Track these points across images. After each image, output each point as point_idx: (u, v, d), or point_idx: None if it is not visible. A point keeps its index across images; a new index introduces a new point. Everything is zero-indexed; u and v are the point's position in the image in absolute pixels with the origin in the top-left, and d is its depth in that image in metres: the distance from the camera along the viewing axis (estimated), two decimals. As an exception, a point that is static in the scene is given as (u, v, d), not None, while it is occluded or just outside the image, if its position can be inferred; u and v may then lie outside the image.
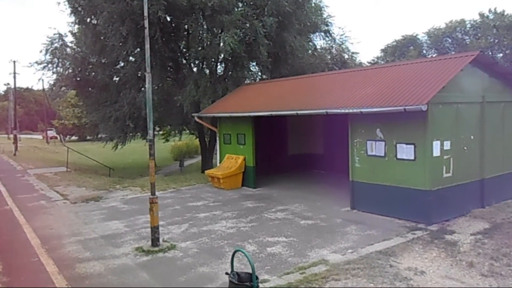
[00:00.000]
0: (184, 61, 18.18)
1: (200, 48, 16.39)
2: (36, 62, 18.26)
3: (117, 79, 18.29)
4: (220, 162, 15.25)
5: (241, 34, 15.08)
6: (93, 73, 18.23)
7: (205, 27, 16.16)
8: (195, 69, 17.72)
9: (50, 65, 18.04)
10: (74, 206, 12.11)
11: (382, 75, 10.52)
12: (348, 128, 10.04)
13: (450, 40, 50.46)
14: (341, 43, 20.96)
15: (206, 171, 14.55)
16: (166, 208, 11.24)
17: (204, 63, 16.58)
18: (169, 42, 16.60)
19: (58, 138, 64.52)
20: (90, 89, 18.80)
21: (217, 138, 15.25)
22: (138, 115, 17.22)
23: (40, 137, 75.41)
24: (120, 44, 16.08)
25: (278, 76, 17.46)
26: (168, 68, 18.35)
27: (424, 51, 52.05)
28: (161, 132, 29.57)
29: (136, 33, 15.49)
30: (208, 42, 15.99)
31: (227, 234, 8.55)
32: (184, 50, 17.99)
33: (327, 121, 16.19)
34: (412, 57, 46.40)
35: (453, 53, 50.31)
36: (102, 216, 10.61)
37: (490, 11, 46.25)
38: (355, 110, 9.01)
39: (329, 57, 20.84)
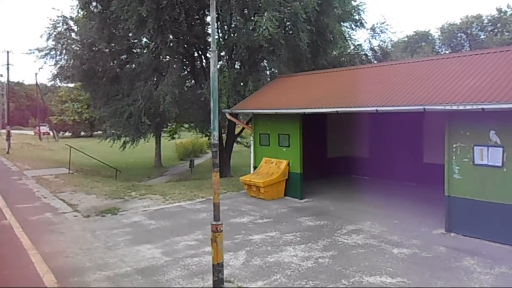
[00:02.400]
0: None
1: (229, 34, 14.22)
2: (37, 49, 15.98)
3: (130, 69, 16.01)
4: (254, 166, 13.15)
5: (280, 18, 12.94)
6: (101, 62, 15.91)
7: (236, 9, 13.94)
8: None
9: (53, 52, 15.75)
10: (88, 221, 9.95)
11: (475, 64, 8.47)
12: (444, 129, 7.97)
13: (464, 36, 48.77)
14: (380, 32, 18.90)
15: (241, 178, 12.42)
16: (206, 225, 9.12)
17: (234, 52, 14.34)
18: (193, 27, 14.40)
19: (51, 134, 61.88)
20: (98, 80, 16.52)
21: (252, 139, 13.11)
22: (155, 111, 15.03)
23: (32, 132, 72.58)
24: (136, 28, 13.83)
25: (314, 69, 15.39)
26: (192, 57, 16.13)
27: (437, 47, 50.35)
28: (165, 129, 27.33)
29: (156, 15, 13.31)
30: (240, 27, 13.81)
31: (306, 270, 6.47)
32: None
33: (374, 120, 14.20)
34: (426, 53, 44.76)
35: (467, 49, 48.74)
36: (128, 237, 8.46)
37: (508, 6, 44.53)
38: (472, 107, 6.93)
39: (365, 47, 18.79)
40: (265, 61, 14.50)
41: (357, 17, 19.56)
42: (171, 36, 14.05)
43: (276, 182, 11.65)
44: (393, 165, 13.87)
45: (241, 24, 13.75)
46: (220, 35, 14.58)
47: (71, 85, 76.41)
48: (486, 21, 46.29)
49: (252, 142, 13.17)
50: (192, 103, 15.82)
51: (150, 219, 9.97)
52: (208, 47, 15.81)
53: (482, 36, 47.04)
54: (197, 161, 33.75)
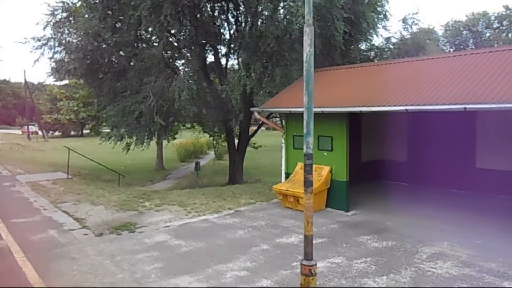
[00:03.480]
0: (231, 41, 14.35)
1: (255, 23, 12.62)
2: (33, 38, 14.16)
3: (138, 63, 14.30)
4: (286, 173, 11.62)
5: (316, 3, 11.41)
6: (106, 54, 14.15)
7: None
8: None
9: (51, 42, 13.96)
10: (102, 241, 8.31)
11: None
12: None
13: (469, 34, 47.81)
14: (411, 24, 17.46)
15: (275, 187, 10.86)
16: (249, 248, 7.57)
17: (259, 42, 12.74)
18: (216, 14, 12.77)
19: (39, 133, 59.52)
20: (103, 75, 14.75)
21: (283, 141, 11.56)
22: (168, 109, 13.37)
23: (19, 132, 70.02)
24: (150, 15, 12.14)
25: (346, 62, 13.89)
26: (211, 48, 14.49)
27: (441, 45, 49.28)
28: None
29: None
30: (269, 14, 12.22)
31: (409, 317, 4.95)
32: (234, 26, 14.18)
33: (413, 121, 12.81)
34: (431, 51, 43.56)
35: (472, 47, 47.92)
36: (158, 265, 6.86)
37: (515, 3, 43.68)
38: None
39: (395, 41, 17.31)
40: (294, 53, 12.87)
41: (379, 9, 18.12)
42: (189, 25, 12.39)
43: (318, 192, 10.12)
44: (436, 170, 12.50)
45: (269, 11, 12.16)
46: (243, 25, 12.99)
47: (63, 82, 74.26)
48: (492, 18, 45.42)
49: (283, 145, 11.62)
50: (207, 100, 14.18)
51: (178, 238, 8.36)
52: (224, 39, 14.22)
53: (488, 34, 46.17)
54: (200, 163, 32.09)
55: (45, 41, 14.20)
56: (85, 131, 74.86)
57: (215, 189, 14.15)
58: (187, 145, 33.10)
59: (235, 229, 8.88)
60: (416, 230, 8.43)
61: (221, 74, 14.53)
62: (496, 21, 45.31)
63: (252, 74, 12.56)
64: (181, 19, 12.30)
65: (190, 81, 12.71)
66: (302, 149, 11.19)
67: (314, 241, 7.81)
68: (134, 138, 13.85)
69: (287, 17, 11.50)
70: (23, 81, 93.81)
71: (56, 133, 70.21)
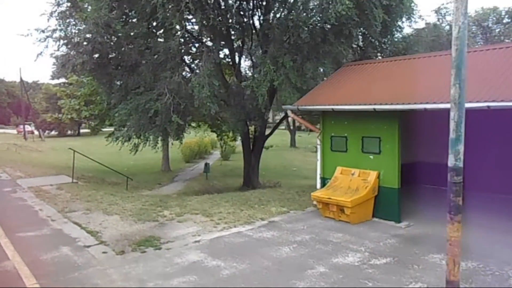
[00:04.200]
0: (257, 31, 13.14)
1: (285, 12, 11.43)
2: (37, 30, 12.88)
3: (152, 56, 13.05)
4: (322, 177, 10.48)
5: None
6: (116, 47, 12.89)
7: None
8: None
9: (57, 33, 12.67)
10: (125, 260, 7.13)
11: None
12: None
13: (478, 29, 46.72)
14: (443, 15, 16.25)
15: (314, 195, 9.69)
16: (301, 271, 6.44)
17: (289, 33, 11.53)
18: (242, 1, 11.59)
19: (35, 133, 57.99)
20: (114, 70, 13.48)
21: (319, 142, 10.40)
22: (185, 107, 12.17)
23: (15, 131, 68.42)
24: (168, 2, 10.91)
25: (378, 56, 12.74)
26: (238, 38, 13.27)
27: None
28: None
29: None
30: (302, 2, 11.03)
31: None
32: (260, 15, 12.97)
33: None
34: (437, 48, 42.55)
35: (481, 43, 47.04)
36: (202, 295, 5.68)
37: (527, -2, 42.68)
38: None
39: (426, 31, 16.10)
40: (327, 45, 11.65)
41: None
42: (212, 14, 11.17)
43: (365, 201, 9.00)
44: (486, 174, 11.37)
45: (299, -1, 10.98)
46: (271, 13, 11.79)
47: (60, 80, 72.67)
48: (503, 13, 44.41)
49: (319, 146, 10.46)
50: (227, 98, 12.98)
51: (214, 257, 7.19)
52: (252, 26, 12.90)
53: (497, 29, 45.16)
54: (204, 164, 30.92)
55: (50, 33, 12.94)
56: (82, 131, 73.49)
57: (237, 195, 12.95)
58: (191, 145, 31.85)
59: (277, 245, 7.72)
60: (492, 247, 7.33)
61: (238, 69, 13.36)
62: (506, 16, 44.28)
63: (282, 68, 11.35)
64: (203, 7, 11.09)
65: (211, 77, 11.51)
66: (341, 151, 10.13)
67: (376, 261, 6.71)
68: (151, 138, 12.59)
69: (323, 3, 10.31)
70: (17, 80, 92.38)
71: (53, 133, 68.78)
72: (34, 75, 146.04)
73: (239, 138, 27.17)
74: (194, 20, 11.78)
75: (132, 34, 12.82)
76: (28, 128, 60.69)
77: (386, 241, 7.85)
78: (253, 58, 13.37)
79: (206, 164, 23.11)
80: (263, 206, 10.94)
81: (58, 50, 12.96)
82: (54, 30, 12.95)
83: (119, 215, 10.27)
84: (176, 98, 12.07)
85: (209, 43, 12.64)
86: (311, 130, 12.49)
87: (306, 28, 10.84)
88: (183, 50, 12.89)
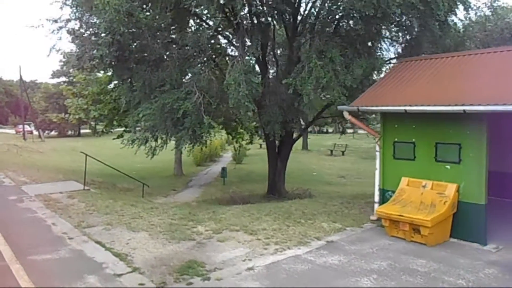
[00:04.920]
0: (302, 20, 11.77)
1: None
2: (49, 20, 11.49)
3: (178, 50, 11.66)
4: (381, 189, 9.11)
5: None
6: (138, 39, 11.49)
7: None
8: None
9: (72, 23, 11.29)
10: (172, 297, 5.73)
11: None
12: None
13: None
14: (493, 7, 14.94)
15: (381, 210, 8.30)
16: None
17: (339, 24, 10.16)
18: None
19: (34, 133, 56.55)
20: (135, 65, 12.08)
21: (378, 149, 9.03)
22: (217, 107, 10.80)
23: (13, 131, 66.99)
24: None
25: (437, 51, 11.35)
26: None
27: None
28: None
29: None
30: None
31: None
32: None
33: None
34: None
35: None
36: None
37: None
38: None
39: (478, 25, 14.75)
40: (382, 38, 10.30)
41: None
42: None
43: (443, 219, 7.63)
44: None
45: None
46: (318, 1, 10.46)
47: (60, 79, 71.24)
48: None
49: (378, 153, 9.09)
50: (262, 97, 11.61)
51: (281, 293, 5.80)
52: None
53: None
54: (216, 167, 29.61)
55: (64, 23, 11.54)
56: (82, 131, 72.12)
57: (274, 206, 11.57)
58: (202, 148, 30.38)
59: (352, 276, 6.35)
60: None
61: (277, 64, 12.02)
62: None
63: (329, 65, 10.00)
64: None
65: (248, 73, 10.16)
66: (407, 159, 8.76)
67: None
68: (157, 141, 11.21)
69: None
70: (15, 79, 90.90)
71: (53, 133, 67.38)
72: (32, 74, 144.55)
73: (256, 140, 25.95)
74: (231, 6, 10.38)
75: (155, 24, 11.43)
76: (27, 128, 59.24)
77: (484, 270, 6.47)
78: (295, 51, 12.01)
79: (223, 169, 21.74)
80: (310, 221, 9.57)
81: (72, 42, 11.58)
82: (68, 20, 11.57)
83: (147, 231, 8.89)
84: (207, 97, 10.69)
85: (249, 36, 11.20)
86: (320, 132, 11.17)
87: (359, 18, 9.47)
88: (213, 42, 11.50)
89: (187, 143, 11.53)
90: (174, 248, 7.82)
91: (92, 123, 22.85)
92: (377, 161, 9.10)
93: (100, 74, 22.24)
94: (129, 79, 12.61)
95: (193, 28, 12.12)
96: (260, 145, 34.68)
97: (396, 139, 8.74)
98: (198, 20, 12.08)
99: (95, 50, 10.63)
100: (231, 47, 10.99)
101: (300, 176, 24.89)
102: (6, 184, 14.86)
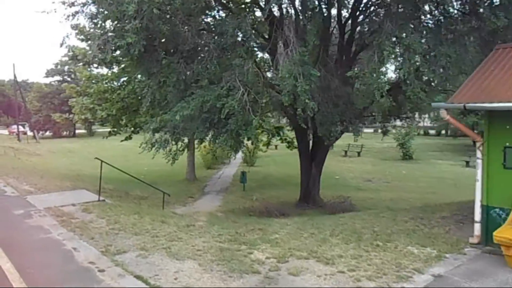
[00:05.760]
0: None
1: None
2: (63, 3, 9.66)
3: (214, 38, 9.91)
4: (485, 205, 7.42)
5: None
6: (169, 26, 9.70)
7: None
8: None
9: (91, 6, 9.48)
10: None
11: None
12: None
13: None
14: None
15: (501, 235, 6.59)
16: None
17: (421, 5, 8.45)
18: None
19: (27, 134, 54.33)
20: (167, 56, 10.27)
21: (480, 155, 7.35)
22: (266, 105, 9.09)
23: (6, 132, 64.68)
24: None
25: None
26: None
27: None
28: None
29: None
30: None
31: None
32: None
33: None
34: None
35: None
36: None
37: None
38: None
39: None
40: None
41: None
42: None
43: None
44: None
45: None
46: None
47: (54, 78, 68.93)
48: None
49: (479, 161, 7.41)
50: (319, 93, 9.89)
51: None
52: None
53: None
54: (228, 170, 27.85)
55: (81, 6, 9.73)
56: (77, 131, 69.79)
57: (333, 223, 9.86)
58: (213, 150, 28.57)
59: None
60: None
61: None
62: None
63: (405, 55, 8.30)
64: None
65: (304, 65, 8.46)
66: (522, 169, 7.13)
67: None
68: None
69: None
70: (6, 79, 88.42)
71: (47, 134, 65.11)
72: (23, 73, 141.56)
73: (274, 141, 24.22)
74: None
75: (186, 8, 9.65)
76: (21, 128, 56.94)
77: None
78: (348, 38, 10.39)
79: (243, 173, 19.99)
80: (391, 244, 7.89)
81: (89, 29, 9.79)
82: (85, 4, 9.76)
83: (195, 260, 7.14)
84: (252, 93, 8.95)
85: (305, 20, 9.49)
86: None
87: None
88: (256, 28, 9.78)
89: (229, 148, 9.77)
90: (238, 285, 6.10)
91: (97, 123, 20.95)
92: (479, 171, 7.42)
93: (105, 70, 20.50)
94: (159, 74, 10.74)
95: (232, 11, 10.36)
96: (276, 146, 33.02)
97: (507, 144, 7.07)
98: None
99: (120, 38, 8.83)
100: (281, 33, 9.33)
101: (323, 181, 23.19)
102: (8, 194, 12.97)
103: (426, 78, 8.71)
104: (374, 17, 10.24)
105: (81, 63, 18.28)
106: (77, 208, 11.18)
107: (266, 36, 11.23)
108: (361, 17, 11.43)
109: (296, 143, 20.87)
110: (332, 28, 11.44)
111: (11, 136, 55.57)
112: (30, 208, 11.00)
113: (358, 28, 11.32)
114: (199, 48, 10.09)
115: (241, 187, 20.61)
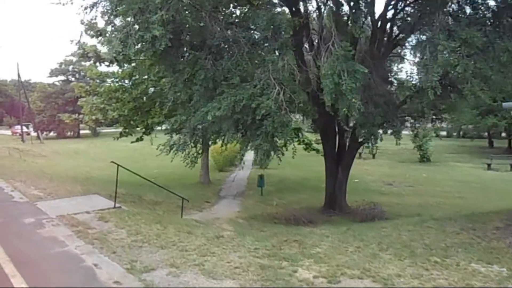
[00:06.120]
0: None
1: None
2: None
3: (243, 31, 9.10)
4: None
5: None
6: (195, 18, 8.88)
7: None
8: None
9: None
10: None
11: None
12: None
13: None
14: None
15: None
16: None
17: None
18: None
19: (31, 134, 53.71)
20: (193, 52, 9.45)
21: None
22: (305, 105, 8.28)
23: (9, 132, 64.19)
24: None
25: None
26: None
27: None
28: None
29: None
30: None
31: None
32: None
33: None
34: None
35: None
36: None
37: None
38: None
39: None
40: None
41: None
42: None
43: None
44: None
45: None
46: None
47: (58, 78, 68.33)
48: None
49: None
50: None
51: None
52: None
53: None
54: (241, 172, 27.02)
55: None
56: (81, 132, 69.09)
57: (374, 234, 9.02)
58: (225, 152, 27.73)
59: None
60: None
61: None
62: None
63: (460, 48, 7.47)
64: None
65: (347, 61, 7.65)
66: None
67: None
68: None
69: None
70: (8, 78, 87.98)
71: (51, 134, 64.52)
72: (26, 73, 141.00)
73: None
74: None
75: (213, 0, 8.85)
76: (24, 129, 56.35)
77: None
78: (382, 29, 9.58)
79: (261, 177, 19.14)
80: (451, 261, 7.07)
81: (105, 23, 9.00)
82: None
83: (234, 279, 6.35)
84: (288, 92, 8.14)
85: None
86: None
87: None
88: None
89: (262, 154, 8.92)
90: (292, 313, 5.29)
91: (107, 124, 20.11)
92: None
93: (115, 68, 19.72)
94: (187, 71, 9.86)
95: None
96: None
97: None
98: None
99: (145, 31, 8.03)
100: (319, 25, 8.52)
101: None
102: (16, 200, 12.21)
103: (484, 75, 7.88)
104: (419, 9, 9.39)
105: (91, 61, 17.48)
106: (92, 216, 10.42)
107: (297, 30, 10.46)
108: (405, 8, 10.62)
109: (314, 145, 20.17)
110: (365, 19, 10.62)
111: (14, 137, 55.03)
112: (41, 216, 10.24)
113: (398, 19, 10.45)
114: (227, 44, 9.26)
115: (258, 191, 19.81)
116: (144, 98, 17.82)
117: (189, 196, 19.05)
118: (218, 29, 8.96)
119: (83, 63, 40.23)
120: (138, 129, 20.73)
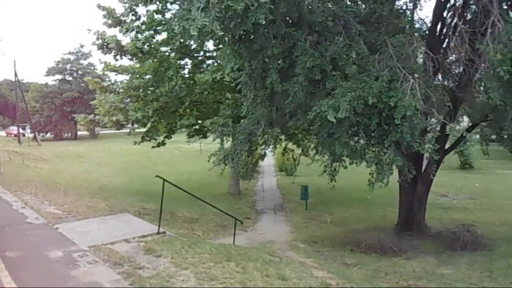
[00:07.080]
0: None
1: None
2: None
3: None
4: None
5: None
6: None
7: None
8: None
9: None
10: None
11: None
12: None
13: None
14: None
15: None
16: None
17: None
18: None
19: (26, 135, 51.28)
20: (292, 31, 7.22)
21: None
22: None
23: (3, 133, 61.90)
24: None
25: None
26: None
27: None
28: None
29: None
30: None
31: None
32: None
33: None
34: None
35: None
36: None
37: None
38: None
39: None
40: None
41: None
42: None
43: None
44: None
45: None
46: None
47: (54, 77, 65.90)
48: None
49: None
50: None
51: None
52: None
53: None
54: (266, 180, 24.78)
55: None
56: (79, 133, 66.76)
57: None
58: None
59: None
60: None
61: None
62: None
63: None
64: None
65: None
66: None
67: None
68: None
69: None
70: (0, 78, 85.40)
71: (48, 135, 62.21)
72: (19, 74, 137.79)
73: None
74: None
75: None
76: (20, 130, 53.92)
77: None
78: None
79: (305, 188, 16.91)
80: None
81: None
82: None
83: None
84: (422, 86, 5.95)
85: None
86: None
87: None
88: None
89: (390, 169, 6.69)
90: None
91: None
92: None
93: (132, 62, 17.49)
94: (279, 55, 7.60)
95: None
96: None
97: None
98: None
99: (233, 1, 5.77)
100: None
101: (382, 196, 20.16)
102: (31, 221, 9.91)
103: None
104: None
105: (111, 53, 15.24)
106: (135, 246, 8.19)
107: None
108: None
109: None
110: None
111: (9, 138, 52.65)
112: (69, 247, 7.98)
113: None
114: (337, 20, 7.00)
115: (298, 203, 17.61)
116: (171, 96, 15.54)
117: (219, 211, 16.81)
118: (320, 1, 6.75)
119: (86, 61, 37.56)
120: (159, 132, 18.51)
